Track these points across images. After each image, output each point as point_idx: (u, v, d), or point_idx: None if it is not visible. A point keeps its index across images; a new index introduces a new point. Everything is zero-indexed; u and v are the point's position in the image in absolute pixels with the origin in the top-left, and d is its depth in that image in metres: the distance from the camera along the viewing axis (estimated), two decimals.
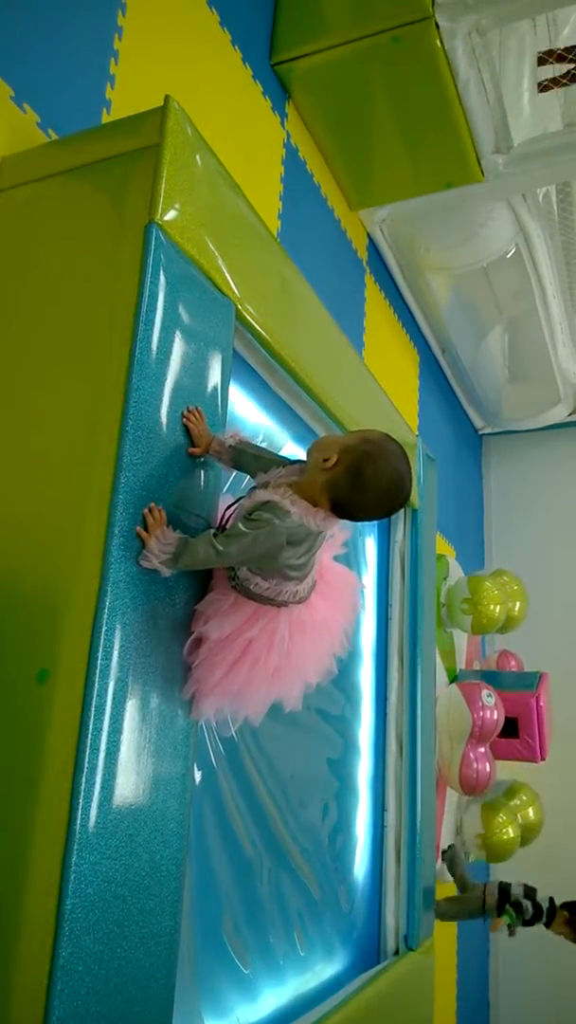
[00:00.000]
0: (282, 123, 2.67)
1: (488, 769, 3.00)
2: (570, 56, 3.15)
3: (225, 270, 1.45)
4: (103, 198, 1.38)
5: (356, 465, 1.16)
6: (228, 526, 1.24)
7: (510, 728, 3.26)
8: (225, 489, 1.44)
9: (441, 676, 3.07)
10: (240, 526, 1.16)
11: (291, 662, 1.27)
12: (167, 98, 1.37)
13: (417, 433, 2.98)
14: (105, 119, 1.78)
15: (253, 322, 1.55)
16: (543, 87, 3.17)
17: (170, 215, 1.31)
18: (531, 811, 3.21)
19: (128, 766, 1.12)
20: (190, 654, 1.23)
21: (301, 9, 2.67)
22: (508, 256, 3.49)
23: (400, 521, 2.40)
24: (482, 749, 3.03)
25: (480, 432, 4.72)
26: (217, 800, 1.51)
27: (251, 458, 1.31)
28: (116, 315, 1.26)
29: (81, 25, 1.78)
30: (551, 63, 3.17)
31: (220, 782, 1.51)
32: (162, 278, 1.28)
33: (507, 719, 3.18)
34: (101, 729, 1.08)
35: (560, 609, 4.16)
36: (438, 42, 2.54)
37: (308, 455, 1.23)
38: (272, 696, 1.29)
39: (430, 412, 3.89)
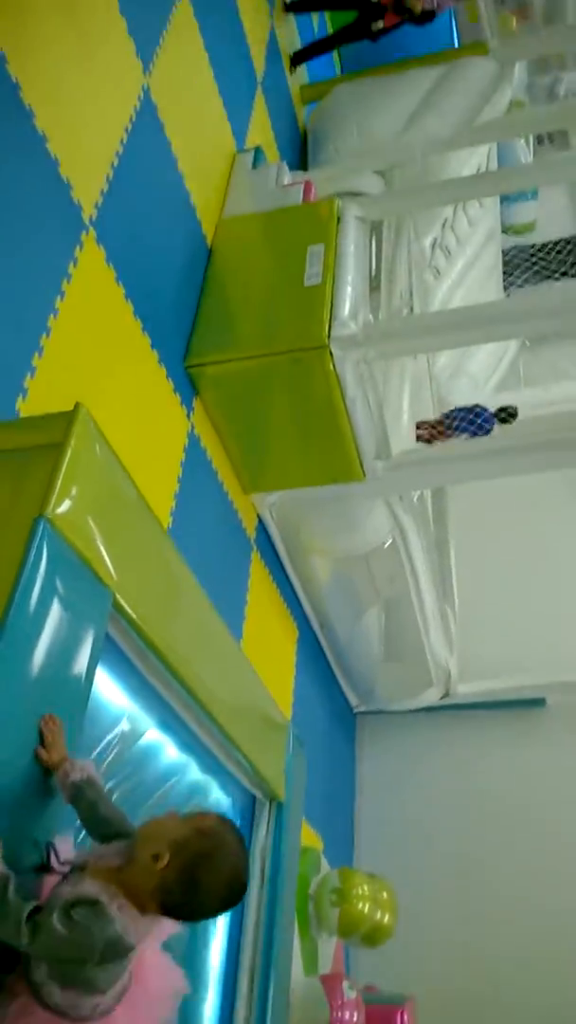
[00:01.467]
0: (188, 415, 2.92)
1: None
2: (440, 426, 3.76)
3: (107, 560, 1.48)
4: (2, 485, 1.42)
5: (190, 867, 1.08)
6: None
7: None
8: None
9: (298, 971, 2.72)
10: (54, 921, 1.01)
11: None
12: (77, 404, 1.47)
13: (290, 716, 2.94)
14: (20, 404, 1.89)
15: (129, 609, 1.55)
16: (420, 438, 3.77)
17: (61, 508, 1.36)
18: None
19: None
20: None
21: (215, 326, 3.07)
22: (385, 546, 3.77)
23: (264, 817, 2.25)
24: None
25: (355, 710, 4.71)
26: None
27: (86, 804, 1.21)
28: None
29: (10, 322, 1.95)
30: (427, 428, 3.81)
31: None
32: (42, 567, 1.30)
33: None
34: None
35: (425, 923, 3.75)
36: (331, 366, 2.94)
37: (137, 845, 1.12)
38: None
39: (306, 688, 3.89)
